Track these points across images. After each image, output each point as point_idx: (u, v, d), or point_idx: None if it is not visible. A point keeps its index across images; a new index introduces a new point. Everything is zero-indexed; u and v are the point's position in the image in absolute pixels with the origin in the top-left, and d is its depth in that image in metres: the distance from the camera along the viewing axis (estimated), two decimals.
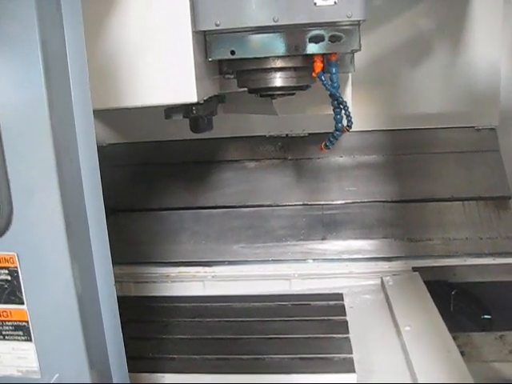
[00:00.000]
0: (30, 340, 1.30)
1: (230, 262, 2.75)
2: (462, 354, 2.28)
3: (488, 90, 2.87)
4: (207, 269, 2.70)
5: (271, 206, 2.90)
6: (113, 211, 2.95)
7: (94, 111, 2.94)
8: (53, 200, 1.20)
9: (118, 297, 2.59)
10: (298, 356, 1.99)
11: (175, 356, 2.04)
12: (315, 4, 1.75)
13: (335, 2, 1.74)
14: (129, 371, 1.90)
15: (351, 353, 1.98)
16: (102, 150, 3.07)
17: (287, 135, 3.04)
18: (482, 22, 2.83)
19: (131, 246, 2.83)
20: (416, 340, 2.01)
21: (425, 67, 2.93)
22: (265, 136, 3.05)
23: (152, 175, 3.03)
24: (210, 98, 2.14)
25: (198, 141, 2.90)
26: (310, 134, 2.99)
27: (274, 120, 2.86)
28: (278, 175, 2.97)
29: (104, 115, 3.07)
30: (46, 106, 1.15)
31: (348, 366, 1.90)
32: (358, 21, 1.84)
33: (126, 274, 2.72)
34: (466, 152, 2.89)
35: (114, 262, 2.71)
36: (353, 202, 2.86)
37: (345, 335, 2.11)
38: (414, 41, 2.90)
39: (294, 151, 3.00)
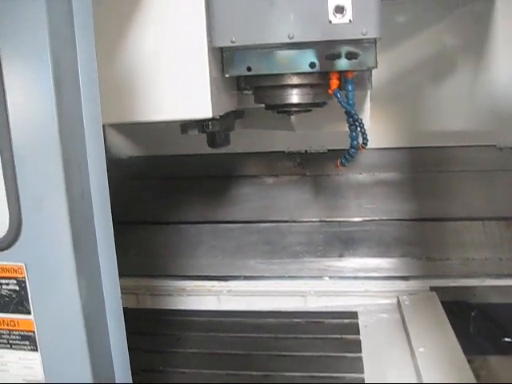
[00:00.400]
0: (36, 350, 1.31)
1: (246, 277, 2.75)
2: (478, 377, 2.24)
3: (511, 108, 2.83)
4: (223, 283, 2.71)
5: (288, 221, 2.90)
6: (131, 224, 2.97)
7: (114, 124, 3.00)
8: (61, 212, 1.22)
9: (133, 309, 2.63)
10: (309, 374, 1.98)
11: (186, 370, 2.05)
12: (330, 22, 1.75)
13: (350, 20, 1.74)
14: None
15: (363, 372, 1.96)
16: (122, 162, 3.17)
17: (306, 151, 3.04)
18: (506, 39, 2.80)
19: (149, 259, 2.86)
20: (429, 362, 1.98)
21: (446, 84, 2.89)
22: (284, 152, 3.05)
23: (171, 189, 3.05)
24: (226, 113, 2.16)
25: (217, 155, 2.91)
26: (329, 150, 2.97)
27: (294, 136, 2.86)
28: (296, 191, 2.97)
29: (126, 128, 3.12)
30: (55, 120, 1.17)
31: None
32: (374, 38, 1.83)
33: (143, 287, 2.74)
34: (487, 171, 2.85)
35: (131, 275, 2.77)
36: (371, 220, 2.84)
37: (357, 354, 2.09)
38: (435, 58, 2.87)
39: (313, 167, 2.99)
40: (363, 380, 1.91)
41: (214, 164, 3.03)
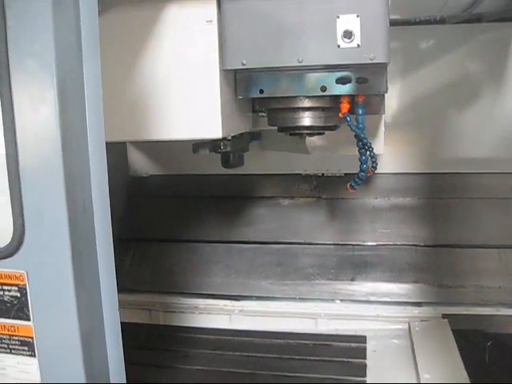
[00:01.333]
0: (34, 356, 1.35)
1: (258, 298, 2.76)
2: None
3: None
4: (235, 303, 2.73)
5: (302, 243, 2.90)
6: (148, 241, 3.02)
7: (132, 142, 3.06)
8: (61, 224, 1.27)
9: (145, 325, 2.66)
10: None
11: None
12: (339, 46, 1.79)
13: (358, 45, 1.77)
14: None
15: None
16: (143, 180, 3.24)
17: (323, 174, 3.05)
18: None
19: (163, 276, 2.90)
20: None
21: (465, 111, 2.90)
22: (301, 174, 3.07)
23: (189, 207, 3.09)
24: (240, 134, 2.20)
25: (234, 176, 2.96)
26: (345, 174, 2.97)
27: (311, 159, 2.89)
28: (311, 214, 2.98)
29: (147, 147, 3.19)
30: (58, 136, 1.22)
31: None
32: (384, 63, 1.85)
33: (156, 303, 2.78)
34: (504, 198, 2.82)
35: (146, 291, 2.81)
36: (384, 244, 2.83)
37: (362, 379, 2.08)
38: (455, 83, 2.88)
39: (329, 191, 3.00)
40: None
41: (231, 184, 3.07)
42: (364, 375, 2.10)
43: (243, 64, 1.87)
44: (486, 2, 2.13)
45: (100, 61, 1.31)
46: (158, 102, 1.87)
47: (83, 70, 1.29)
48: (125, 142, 3.09)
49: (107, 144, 1.34)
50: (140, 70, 1.85)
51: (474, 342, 2.57)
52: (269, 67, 1.90)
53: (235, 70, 1.95)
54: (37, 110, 1.23)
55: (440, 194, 2.90)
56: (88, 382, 1.34)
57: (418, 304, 2.62)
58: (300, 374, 2.13)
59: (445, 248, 2.78)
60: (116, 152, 3.16)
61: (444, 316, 2.54)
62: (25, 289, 1.31)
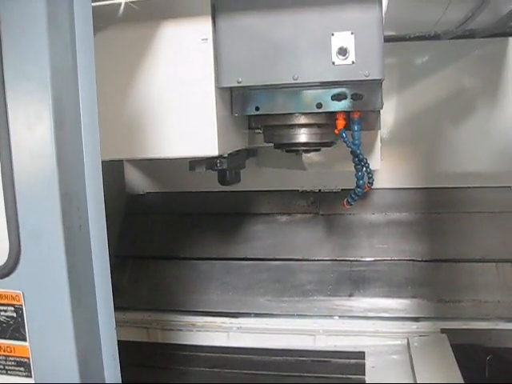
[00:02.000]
0: (31, 376, 1.34)
1: (256, 315, 2.75)
2: None
3: None
4: (233, 320, 2.71)
5: (300, 260, 2.90)
6: (145, 258, 3.02)
7: (129, 160, 3.07)
8: (57, 244, 1.26)
9: (143, 343, 2.65)
10: None
11: None
12: (334, 63, 1.80)
13: (353, 62, 1.79)
14: None
15: None
16: (139, 198, 3.24)
17: (320, 190, 3.06)
18: None
19: (160, 293, 2.89)
20: None
21: (461, 126, 2.91)
22: (297, 190, 3.07)
23: (186, 225, 3.09)
24: (236, 151, 2.21)
25: (231, 193, 2.97)
26: (342, 189, 2.98)
27: (308, 175, 2.90)
28: (309, 230, 2.98)
29: (143, 165, 3.20)
30: (54, 157, 1.22)
31: None
32: (379, 79, 1.87)
33: (154, 321, 2.77)
34: (501, 212, 2.82)
35: (143, 309, 2.80)
36: (382, 260, 2.83)
37: None
38: (450, 99, 2.91)
39: (326, 207, 3.01)
40: None
41: (228, 201, 3.07)
42: None
43: (239, 82, 1.88)
44: (478, 18, 2.15)
45: (95, 80, 1.31)
46: (154, 119, 1.87)
47: (79, 90, 1.29)
48: (121, 160, 3.10)
49: (104, 162, 1.34)
50: (136, 88, 1.86)
51: (472, 357, 2.56)
52: (264, 85, 1.91)
53: (231, 87, 1.96)
54: (32, 130, 1.23)
55: (437, 209, 2.91)
56: None
57: (417, 319, 2.61)
58: None
59: (442, 263, 2.77)
60: (113, 170, 3.17)
61: (443, 331, 2.53)
62: (21, 309, 1.31)
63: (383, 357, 2.43)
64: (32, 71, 1.21)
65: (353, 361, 2.34)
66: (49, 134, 1.22)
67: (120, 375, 1.42)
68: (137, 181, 3.24)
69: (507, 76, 2.84)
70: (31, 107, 1.22)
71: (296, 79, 1.84)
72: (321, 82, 1.90)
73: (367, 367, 2.31)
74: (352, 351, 2.42)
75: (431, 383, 1.80)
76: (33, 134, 1.23)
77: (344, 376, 2.21)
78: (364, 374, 2.22)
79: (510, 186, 2.89)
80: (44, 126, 1.22)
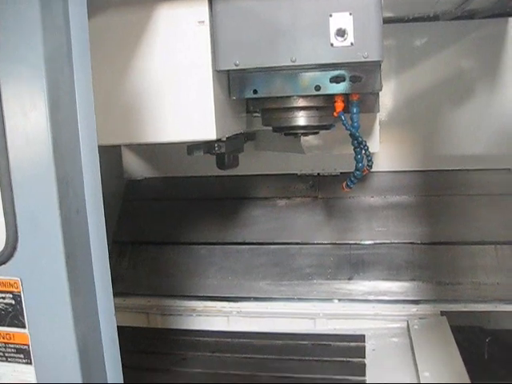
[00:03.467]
0: (31, 363, 1.34)
1: (256, 299, 2.74)
2: None
3: None
4: (233, 304, 2.71)
5: (299, 243, 2.89)
6: (144, 244, 3.02)
7: (127, 146, 3.06)
8: (55, 229, 1.25)
9: (144, 328, 2.65)
10: None
11: None
12: (332, 45, 1.78)
13: (352, 43, 1.76)
14: None
15: None
16: (137, 183, 3.23)
17: (319, 174, 3.05)
18: None
19: (160, 279, 2.89)
20: None
21: (460, 108, 2.90)
22: (296, 174, 3.06)
23: (184, 209, 3.08)
24: (235, 135, 2.19)
25: (230, 177, 2.96)
26: (341, 173, 2.97)
27: (307, 159, 2.89)
28: (308, 213, 2.97)
29: (141, 150, 3.18)
30: (50, 143, 1.21)
31: None
32: (378, 61, 1.85)
33: (154, 306, 2.77)
34: (500, 194, 2.82)
35: (143, 294, 2.80)
36: (382, 243, 2.82)
37: (361, 378, 2.07)
38: (448, 81, 2.89)
39: (325, 190, 3.00)
40: None
41: (226, 186, 3.06)
42: (363, 374, 2.09)
43: (236, 64, 1.86)
44: None
45: (91, 64, 1.29)
46: (151, 104, 1.85)
47: (74, 74, 1.28)
48: (119, 146, 3.08)
49: (101, 147, 1.33)
50: (132, 73, 1.84)
51: (472, 339, 2.58)
52: (262, 67, 1.89)
53: (228, 70, 1.93)
54: (27, 116, 1.21)
55: (436, 192, 2.90)
56: None
57: (416, 302, 2.61)
58: (299, 375, 2.12)
59: (442, 245, 2.77)
60: (111, 155, 3.16)
61: (442, 313, 2.53)
62: (19, 296, 1.30)
63: (383, 339, 2.43)
64: (25, 55, 1.19)
65: (353, 344, 2.34)
66: (44, 119, 1.21)
67: (120, 360, 1.42)
68: (135, 166, 3.23)
69: (507, 57, 2.82)
70: (26, 92, 1.21)
71: (294, 61, 1.82)
72: (319, 64, 1.87)
73: (367, 350, 2.31)
74: (352, 334, 2.43)
75: (436, 383, 1.79)
76: (28, 121, 1.22)
77: (344, 359, 2.21)
78: (364, 357, 2.22)
79: (509, 169, 2.88)
80: (39, 111, 1.20)
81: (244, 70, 1.92)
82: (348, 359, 2.22)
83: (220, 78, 1.92)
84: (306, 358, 2.25)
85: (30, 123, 1.21)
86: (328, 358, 2.24)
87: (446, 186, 2.89)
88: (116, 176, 3.21)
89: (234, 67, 1.86)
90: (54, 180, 1.23)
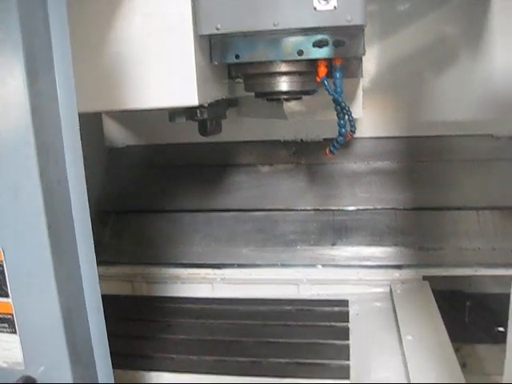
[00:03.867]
0: (15, 332, 1.33)
1: (240, 265, 2.75)
2: (464, 365, 2.26)
3: (508, 97, 2.81)
4: (217, 271, 2.72)
5: (282, 210, 2.89)
6: (127, 212, 3.00)
7: (108, 113, 3.01)
8: (36, 198, 1.24)
9: (128, 296, 2.66)
10: (295, 361, 2.00)
11: (174, 356, 2.07)
12: (315, 9, 1.75)
13: (335, 7, 1.74)
14: (128, 369, 1.95)
15: (348, 359, 1.97)
16: (119, 151, 3.20)
17: (302, 140, 3.03)
18: (502, 27, 2.76)
19: (144, 247, 2.88)
20: (416, 349, 1.99)
21: (443, 74, 2.88)
22: (279, 140, 3.05)
23: (167, 177, 3.05)
24: (217, 101, 2.16)
25: (212, 144, 2.94)
26: (324, 139, 2.96)
27: (289, 125, 2.87)
28: (291, 180, 2.96)
29: (123, 117, 3.14)
30: (29, 111, 1.19)
31: (343, 373, 1.90)
32: (361, 25, 1.82)
33: (138, 274, 2.77)
34: (484, 160, 2.82)
35: (127, 262, 2.80)
36: (365, 209, 2.83)
37: (345, 342, 2.10)
38: (431, 47, 2.85)
39: (308, 156, 2.99)
40: (348, 367, 1.93)
41: (209, 153, 3.04)
42: (347, 338, 2.12)
43: (217, 29, 1.82)
44: None
45: (69, 28, 1.26)
46: (132, 70, 1.82)
47: (51, 39, 1.25)
48: (100, 113, 3.04)
49: (81, 115, 1.30)
50: (112, 37, 1.80)
51: (453, 303, 2.62)
52: (244, 32, 1.86)
53: (210, 35, 1.90)
54: (4, 83, 1.19)
55: (419, 158, 2.90)
56: (71, 355, 1.34)
57: (399, 267, 2.63)
58: (283, 340, 2.14)
59: (424, 211, 2.78)
60: (91, 123, 3.11)
61: (424, 278, 2.56)
62: (1, 265, 1.29)
63: (367, 304, 2.46)
64: (1, 21, 1.16)
65: (337, 309, 2.37)
66: (22, 87, 1.18)
67: (105, 328, 1.42)
68: (116, 134, 3.18)
69: (491, 22, 2.79)
70: (1, 59, 1.18)
71: (276, 25, 1.79)
72: (302, 29, 1.84)
73: (351, 315, 2.34)
74: (336, 299, 2.45)
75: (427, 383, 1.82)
76: (5, 88, 1.19)
77: (328, 324, 2.24)
78: (348, 322, 2.25)
79: (491, 135, 2.88)
80: (16, 80, 1.18)
81: (226, 34, 1.89)
82: (332, 324, 2.25)
83: (201, 43, 1.88)
84: (291, 323, 2.27)
85: (7, 91, 1.19)
86: (312, 323, 2.26)
87: (428, 152, 2.89)
88: (97, 144, 3.16)
89: (216, 31, 1.83)
90: (34, 147, 1.21)
